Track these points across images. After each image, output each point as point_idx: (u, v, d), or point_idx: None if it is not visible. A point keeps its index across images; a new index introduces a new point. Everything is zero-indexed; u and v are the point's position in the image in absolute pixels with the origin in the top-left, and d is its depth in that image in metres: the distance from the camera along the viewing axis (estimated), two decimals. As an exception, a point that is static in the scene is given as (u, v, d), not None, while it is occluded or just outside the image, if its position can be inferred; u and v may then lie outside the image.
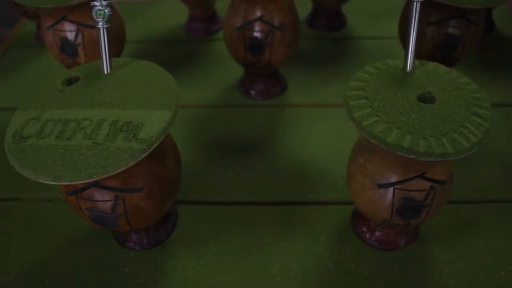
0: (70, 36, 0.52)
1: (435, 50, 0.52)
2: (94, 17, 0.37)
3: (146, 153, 0.32)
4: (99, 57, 0.38)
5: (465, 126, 0.33)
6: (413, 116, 0.33)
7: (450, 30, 0.50)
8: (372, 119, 0.33)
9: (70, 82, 0.39)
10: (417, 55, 0.53)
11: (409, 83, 0.36)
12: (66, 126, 0.34)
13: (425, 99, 0.35)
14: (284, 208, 0.47)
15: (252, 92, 0.59)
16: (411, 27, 0.35)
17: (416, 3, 0.34)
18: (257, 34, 0.51)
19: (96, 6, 0.37)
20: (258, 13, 0.50)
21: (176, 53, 0.68)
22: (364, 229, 0.43)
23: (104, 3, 0.37)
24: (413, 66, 0.37)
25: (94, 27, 0.52)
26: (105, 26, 0.37)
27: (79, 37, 0.53)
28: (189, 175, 0.49)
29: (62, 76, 0.39)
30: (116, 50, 0.56)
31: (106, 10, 0.37)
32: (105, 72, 0.38)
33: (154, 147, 0.32)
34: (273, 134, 0.55)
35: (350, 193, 0.40)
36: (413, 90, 0.35)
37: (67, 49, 0.53)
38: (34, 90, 0.38)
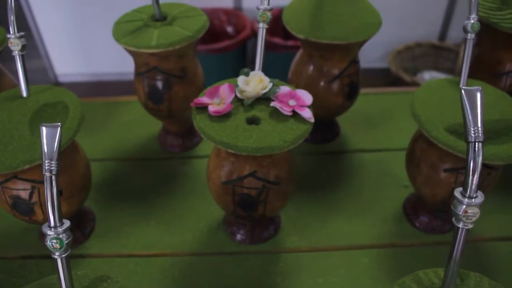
0: (24, 195, 0.44)
1: (451, 196, 0.46)
2: None
3: None
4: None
5: None
6: None
7: (467, 178, 0.44)
8: None
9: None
10: (431, 198, 0.47)
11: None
12: None
13: None
14: None
15: (240, 236, 0.51)
16: (454, 254, 0.28)
17: (462, 229, 0.28)
18: (248, 191, 0.43)
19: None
20: (250, 168, 0.42)
21: (150, 175, 0.60)
22: None
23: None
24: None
25: (52, 182, 0.44)
26: None
27: (35, 195, 0.44)
28: None
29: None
30: (79, 201, 0.48)
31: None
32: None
33: None
34: (270, 292, 0.47)
35: None
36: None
37: (21, 209, 0.44)
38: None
